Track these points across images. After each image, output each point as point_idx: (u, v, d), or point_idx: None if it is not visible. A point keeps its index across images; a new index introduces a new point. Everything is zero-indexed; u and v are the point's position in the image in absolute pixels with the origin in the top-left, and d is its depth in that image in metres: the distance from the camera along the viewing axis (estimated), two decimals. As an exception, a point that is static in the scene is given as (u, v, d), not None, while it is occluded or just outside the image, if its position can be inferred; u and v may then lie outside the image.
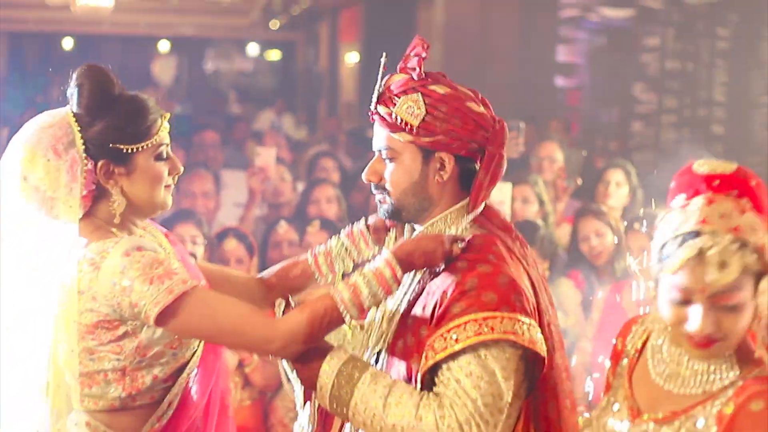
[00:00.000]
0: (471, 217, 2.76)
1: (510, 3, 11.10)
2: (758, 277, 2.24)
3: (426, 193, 2.74)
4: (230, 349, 2.83)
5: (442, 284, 2.65)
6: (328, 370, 2.63)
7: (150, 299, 2.61)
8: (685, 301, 2.24)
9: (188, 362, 2.81)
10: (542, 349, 2.62)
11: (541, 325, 2.66)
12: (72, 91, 2.77)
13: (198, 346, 2.83)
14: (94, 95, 2.74)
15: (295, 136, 12.23)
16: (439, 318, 2.62)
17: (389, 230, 2.98)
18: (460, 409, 2.55)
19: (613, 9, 11.07)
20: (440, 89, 2.69)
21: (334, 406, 2.62)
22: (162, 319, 2.63)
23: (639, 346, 2.46)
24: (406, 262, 2.68)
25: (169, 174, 2.82)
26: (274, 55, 21.97)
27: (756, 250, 2.22)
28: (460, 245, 2.70)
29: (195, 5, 18.39)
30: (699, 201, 2.27)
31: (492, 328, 2.56)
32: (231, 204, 6.71)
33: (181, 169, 2.86)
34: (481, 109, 2.71)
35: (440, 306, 2.62)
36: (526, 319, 2.59)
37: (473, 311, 2.57)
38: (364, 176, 2.82)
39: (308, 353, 2.68)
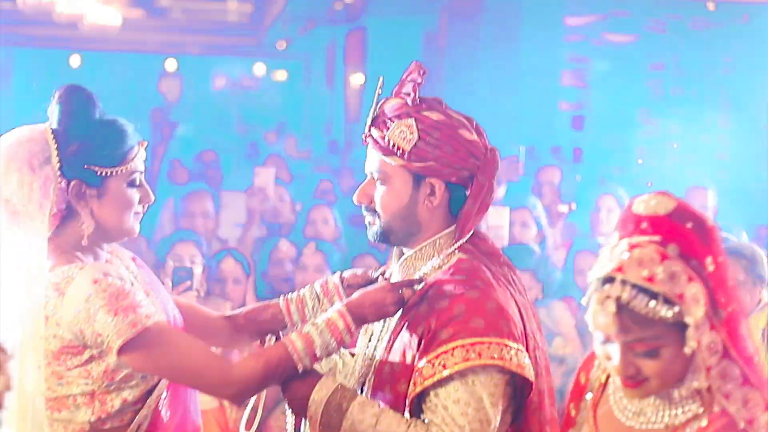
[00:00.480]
0: (459, 243, 2.77)
1: (513, 27, 11.12)
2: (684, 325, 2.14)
3: (415, 217, 2.76)
4: (188, 387, 2.82)
5: (430, 310, 2.66)
6: (318, 400, 2.65)
7: (113, 330, 2.61)
8: (607, 341, 2.20)
9: (157, 384, 2.79)
10: (530, 374, 2.63)
11: (528, 350, 2.67)
12: (53, 109, 2.78)
13: None
14: (74, 115, 2.75)
15: (297, 157, 12.25)
16: (427, 344, 2.62)
17: (362, 287, 2.94)
18: None
19: (616, 34, 11.10)
20: (434, 115, 2.72)
21: None
22: (124, 351, 2.63)
23: (603, 379, 2.41)
24: (357, 314, 2.69)
25: (139, 202, 2.83)
26: (281, 75, 21.99)
27: (673, 300, 2.12)
28: (417, 287, 2.71)
29: (202, 24, 18.43)
30: (624, 244, 2.19)
31: (480, 354, 2.56)
32: (231, 224, 6.73)
33: (153, 198, 2.87)
34: (474, 137, 2.73)
35: (428, 332, 2.63)
36: (514, 344, 2.60)
37: (461, 337, 2.58)
38: (354, 198, 2.85)
39: (298, 383, 2.69)
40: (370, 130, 2.78)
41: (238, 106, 20.11)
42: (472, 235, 2.80)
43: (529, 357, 2.66)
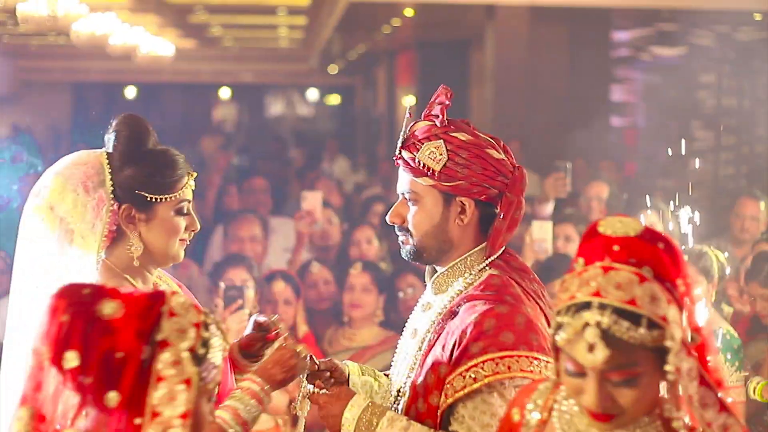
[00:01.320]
0: (490, 260, 2.84)
1: (560, 45, 11.16)
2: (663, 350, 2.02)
3: (446, 236, 2.84)
4: None
5: (461, 324, 2.73)
6: (350, 417, 2.75)
7: None
8: (579, 373, 2.06)
9: None
10: None
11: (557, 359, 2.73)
12: (109, 136, 2.89)
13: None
14: (128, 142, 2.86)
15: (349, 179, 12.34)
16: (458, 357, 2.69)
17: (262, 347, 3.06)
18: None
19: (664, 47, 11.07)
20: (462, 136, 2.80)
21: None
22: None
23: (545, 416, 2.24)
24: (266, 376, 2.82)
25: (186, 229, 2.92)
26: (334, 99, 22.19)
27: (655, 323, 1.99)
28: (303, 351, 2.85)
29: (254, 53, 18.64)
30: (595, 268, 2.06)
31: (509, 367, 2.63)
32: (280, 249, 6.82)
33: (198, 226, 2.97)
34: (501, 155, 2.81)
35: (459, 345, 2.70)
36: (543, 357, 2.66)
37: (491, 351, 2.64)
38: (387, 218, 2.93)
39: (332, 402, 2.78)
40: (401, 152, 2.86)
41: (291, 131, 20.29)
42: (502, 252, 2.88)
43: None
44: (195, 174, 2.95)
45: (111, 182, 2.83)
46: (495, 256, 2.85)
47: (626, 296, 2.00)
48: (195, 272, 6.26)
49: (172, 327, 1.88)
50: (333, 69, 19.53)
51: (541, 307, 2.80)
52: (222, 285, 4.63)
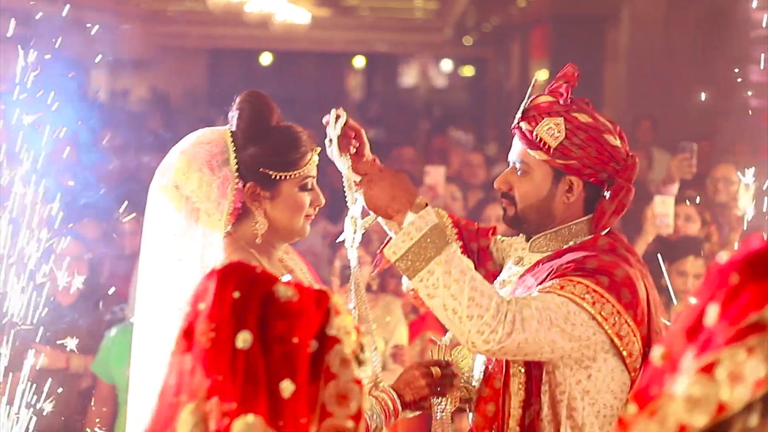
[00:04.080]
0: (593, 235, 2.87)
1: (696, 24, 10.92)
2: None
3: (550, 210, 2.87)
4: None
5: (560, 261, 2.78)
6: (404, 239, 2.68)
7: None
8: None
9: None
10: (625, 349, 2.71)
11: (649, 344, 2.75)
12: (233, 114, 2.93)
13: None
14: (252, 120, 2.88)
15: (480, 153, 12.31)
16: (550, 277, 2.75)
17: None
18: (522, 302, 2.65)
19: (807, 28, 10.72)
20: (582, 117, 2.82)
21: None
22: None
23: None
24: (400, 394, 2.87)
25: (310, 205, 2.92)
26: (467, 71, 22.11)
27: None
28: (441, 368, 2.85)
29: (389, 22, 18.69)
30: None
31: (593, 303, 2.66)
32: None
33: (323, 201, 2.96)
34: (617, 142, 2.83)
35: (552, 273, 2.75)
36: (626, 316, 2.69)
37: (580, 276, 2.69)
38: (495, 184, 2.95)
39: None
40: (519, 123, 2.88)
41: (424, 102, 20.31)
42: (608, 232, 2.90)
43: (649, 350, 2.71)
44: (319, 149, 2.95)
45: (235, 160, 2.86)
46: (602, 234, 2.87)
47: None
48: (318, 246, 6.32)
49: (339, 324, 1.76)
50: (467, 40, 19.45)
51: (645, 284, 2.80)
52: (337, 263, 4.66)
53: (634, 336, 2.72)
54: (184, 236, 2.88)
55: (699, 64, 10.85)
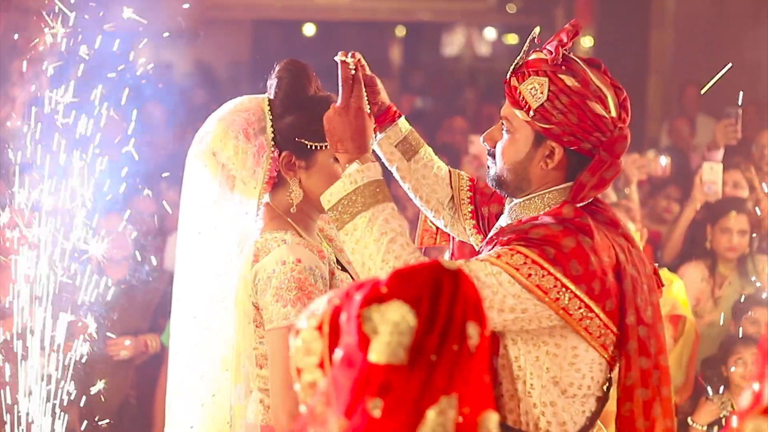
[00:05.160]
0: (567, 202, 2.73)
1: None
2: None
3: (526, 174, 2.74)
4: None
5: (509, 229, 2.68)
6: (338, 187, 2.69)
7: (269, 314, 2.75)
8: None
9: None
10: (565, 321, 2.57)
11: (623, 316, 2.63)
12: (271, 82, 2.92)
13: None
14: (290, 89, 2.89)
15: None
16: (493, 246, 2.67)
17: None
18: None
19: None
20: (569, 80, 2.68)
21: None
22: (268, 336, 2.76)
23: None
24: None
25: None
26: (511, 39, 21.91)
27: None
28: None
29: (432, -9, 18.58)
30: None
31: (528, 275, 2.55)
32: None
33: None
34: (602, 111, 2.67)
35: (499, 240, 2.67)
36: (574, 288, 2.55)
37: (521, 245, 2.59)
38: (481, 138, 2.86)
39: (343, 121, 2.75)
40: (509, 77, 2.77)
41: (468, 71, 20.17)
42: (590, 203, 2.76)
43: (623, 327, 2.62)
44: None
45: (272, 129, 2.87)
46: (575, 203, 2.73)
47: None
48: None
49: None
50: (511, 8, 19.28)
51: (619, 259, 2.65)
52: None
53: (591, 312, 2.57)
54: (220, 203, 2.89)
55: (748, 29, 10.68)
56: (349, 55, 2.81)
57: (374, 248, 2.57)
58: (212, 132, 2.90)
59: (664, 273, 5.05)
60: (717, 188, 5.58)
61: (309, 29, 18.26)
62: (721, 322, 5.36)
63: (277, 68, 2.93)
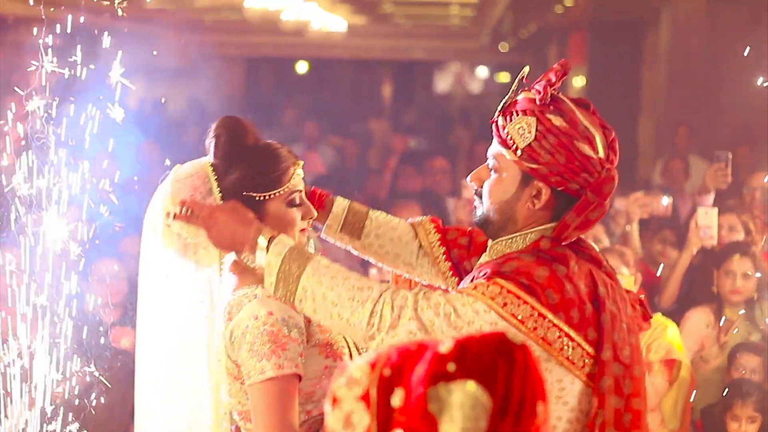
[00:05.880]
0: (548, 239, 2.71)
1: (738, 28, 10.79)
2: None
3: (513, 214, 2.71)
4: None
5: (486, 264, 2.66)
6: (273, 260, 2.65)
7: (247, 369, 2.73)
8: None
9: None
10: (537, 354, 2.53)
11: (599, 350, 2.58)
12: (209, 142, 2.90)
13: None
14: (229, 146, 2.85)
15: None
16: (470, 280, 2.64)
17: None
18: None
19: None
20: (557, 120, 2.65)
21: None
22: (250, 389, 2.74)
23: None
24: None
25: (302, 218, 2.90)
26: (503, 77, 22.03)
27: None
28: None
29: (426, 30, 18.66)
30: None
31: (504, 304, 2.52)
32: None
33: (315, 213, 2.94)
34: (591, 152, 2.64)
35: (476, 275, 2.65)
36: (552, 317, 2.52)
37: (499, 277, 2.56)
38: (468, 178, 2.82)
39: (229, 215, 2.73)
40: (497, 117, 2.73)
41: (459, 109, 20.25)
42: (573, 242, 2.73)
43: (599, 362, 2.57)
44: (302, 162, 2.92)
45: (218, 189, 2.85)
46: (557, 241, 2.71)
47: None
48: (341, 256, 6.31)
49: None
50: (504, 47, 19.39)
51: (600, 296, 2.61)
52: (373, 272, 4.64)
53: (571, 341, 2.54)
54: (178, 272, 2.89)
55: (741, 69, 10.73)
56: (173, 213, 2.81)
57: (334, 294, 2.56)
58: (161, 205, 2.89)
59: (657, 318, 5.03)
60: (713, 233, 5.57)
61: (302, 67, 18.34)
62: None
63: (213, 127, 2.91)
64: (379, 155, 11.69)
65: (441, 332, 2.51)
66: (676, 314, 5.54)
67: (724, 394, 5.00)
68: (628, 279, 4.88)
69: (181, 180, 2.88)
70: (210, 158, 2.90)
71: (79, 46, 4.21)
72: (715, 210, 5.63)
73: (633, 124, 11.91)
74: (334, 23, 14.68)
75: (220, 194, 2.85)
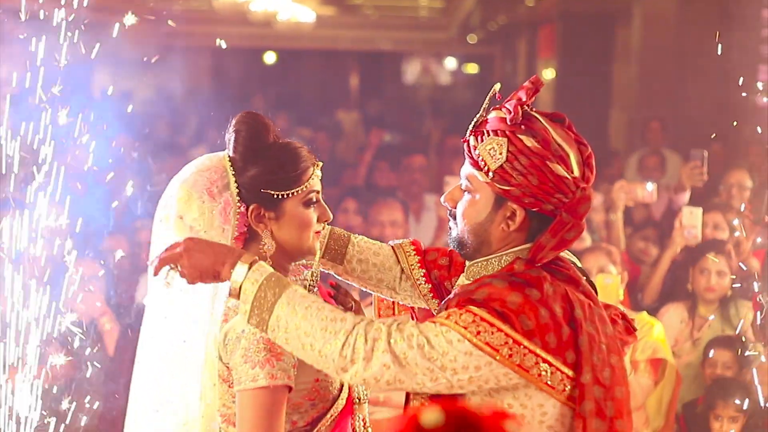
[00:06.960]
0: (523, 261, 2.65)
1: (708, 22, 10.79)
2: None
3: (487, 236, 2.65)
4: None
5: (459, 291, 2.61)
6: (249, 287, 2.58)
7: (238, 375, 2.69)
8: None
9: (329, 410, 2.84)
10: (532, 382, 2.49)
11: (579, 373, 2.52)
12: (229, 137, 2.86)
13: (339, 398, 2.87)
14: (249, 142, 2.82)
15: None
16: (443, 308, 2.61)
17: None
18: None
19: (819, 27, 10.60)
20: (528, 141, 2.57)
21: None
22: (239, 396, 2.69)
23: None
24: None
25: (318, 221, 2.87)
26: (471, 68, 22.03)
27: None
28: None
29: (394, 21, 18.61)
30: None
31: (477, 332, 2.47)
32: (433, 228, 6.85)
33: (330, 216, 2.91)
34: (564, 173, 2.57)
35: (448, 302, 2.61)
36: (526, 343, 2.46)
37: (472, 305, 2.50)
38: (442, 199, 2.76)
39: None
40: (468, 136, 2.66)
41: (428, 100, 20.22)
42: (553, 260, 2.66)
43: (579, 386, 2.51)
44: (320, 164, 2.89)
45: (235, 184, 2.82)
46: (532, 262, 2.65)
47: None
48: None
49: None
50: (472, 38, 19.37)
51: (576, 318, 2.54)
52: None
53: (550, 366, 2.48)
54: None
55: (712, 64, 10.73)
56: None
57: (307, 324, 2.50)
58: (176, 195, 2.84)
59: (643, 317, 5.04)
60: (697, 232, 5.62)
61: (270, 57, 18.25)
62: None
63: (233, 122, 2.87)
64: (350, 148, 11.62)
65: (415, 364, 2.47)
66: (656, 311, 5.58)
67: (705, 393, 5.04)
68: (615, 279, 4.86)
69: (198, 172, 2.84)
70: (228, 152, 2.85)
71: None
72: (700, 210, 5.69)
73: (604, 118, 11.91)
74: (303, 14, 14.58)
75: (237, 189, 2.81)
